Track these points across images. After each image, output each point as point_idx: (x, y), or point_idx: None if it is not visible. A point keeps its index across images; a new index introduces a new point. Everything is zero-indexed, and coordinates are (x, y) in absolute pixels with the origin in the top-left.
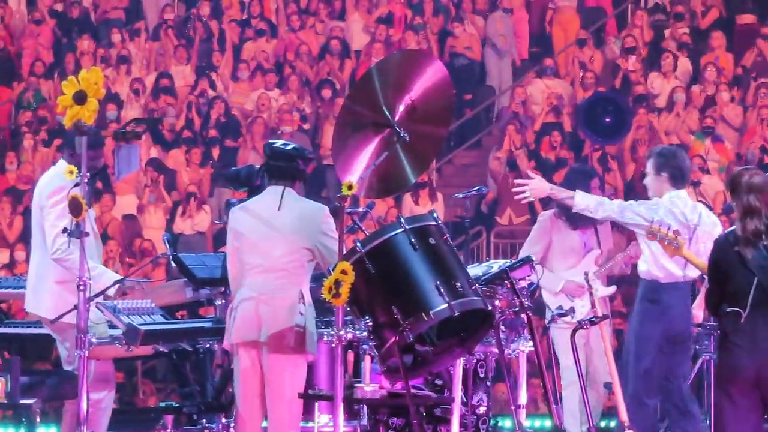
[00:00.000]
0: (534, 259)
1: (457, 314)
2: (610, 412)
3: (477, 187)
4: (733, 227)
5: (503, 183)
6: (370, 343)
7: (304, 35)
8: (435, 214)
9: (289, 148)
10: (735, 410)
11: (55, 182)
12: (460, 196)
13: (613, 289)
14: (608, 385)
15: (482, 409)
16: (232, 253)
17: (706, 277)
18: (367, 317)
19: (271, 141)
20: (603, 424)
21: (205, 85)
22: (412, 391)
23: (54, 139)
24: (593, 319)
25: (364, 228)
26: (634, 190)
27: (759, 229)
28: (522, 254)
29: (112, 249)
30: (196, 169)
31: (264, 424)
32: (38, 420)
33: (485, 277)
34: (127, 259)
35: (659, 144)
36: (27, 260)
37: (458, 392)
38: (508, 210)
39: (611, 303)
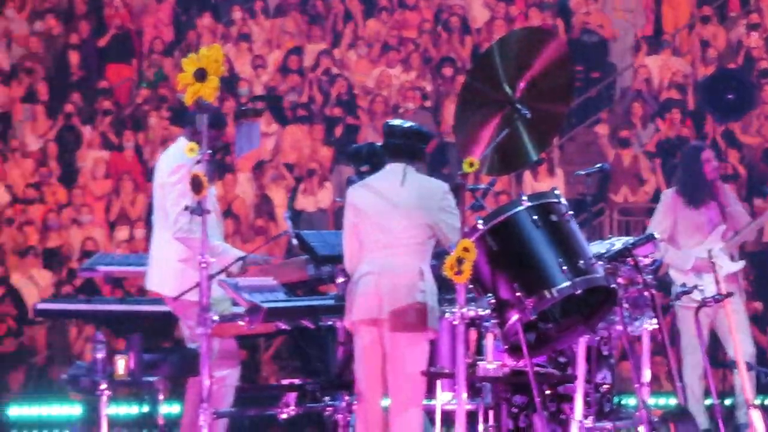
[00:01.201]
0: (657, 236)
1: (579, 291)
2: (731, 390)
3: (599, 165)
4: None
5: (617, 161)
6: (493, 321)
7: (425, 12)
8: (557, 191)
9: (407, 125)
10: None
11: (176, 160)
12: (582, 173)
13: (740, 264)
14: (750, 364)
15: (606, 387)
16: (350, 230)
17: None
18: (489, 295)
19: (390, 120)
20: (727, 402)
21: (328, 62)
22: (535, 368)
23: (175, 116)
24: (717, 296)
25: (485, 205)
26: (760, 167)
27: None
28: (648, 230)
29: (233, 226)
30: (317, 147)
31: (385, 402)
32: (161, 397)
33: (607, 254)
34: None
35: None
36: (146, 238)
37: (582, 370)
38: (623, 188)
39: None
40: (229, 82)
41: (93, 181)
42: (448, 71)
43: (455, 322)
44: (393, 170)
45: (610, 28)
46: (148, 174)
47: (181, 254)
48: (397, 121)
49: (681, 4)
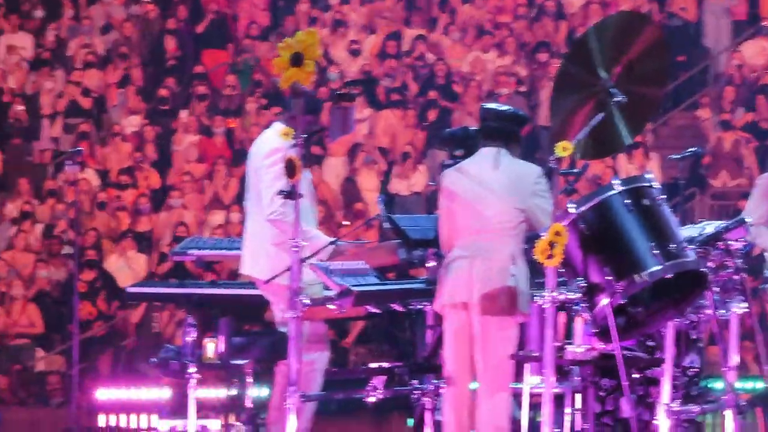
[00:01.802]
0: (748, 220)
1: (670, 275)
2: None
3: (692, 149)
4: None
5: (718, 145)
6: (582, 305)
7: None
8: (650, 175)
9: (503, 109)
10: None
11: (270, 144)
12: (676, 157)
13: None
14: None
15: (693, 371)
16: (445, 214)
17: None
18: (579, 279)
19: (485, 104)
20: None
21: (422, 47)
22: (624, 352)
23: (270, 101)
24: None
25: (578, 189)
26: None
27: None
28: (743, 214)
29: (323, 212)
30: (411, 131)
31: (474, 385)
32: (249, 381)
33: (699, 238)
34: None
35: None
36: (241, 222)
37: (670, 354)
38: (723, 172)
39: None
40: (324, 68)
41: (187, 165)
42: (542, 56)
43: (545, 306)
44: (487, 154)
45: (694, 10)
46: (238, 158)
47: (276, 238)
48: (492, 105)
49: None
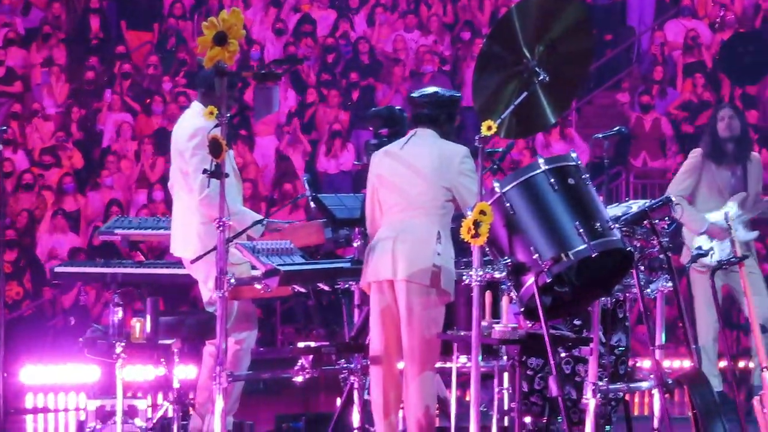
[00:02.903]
0: (676, 194)
1: (596, 254)
2: (747, 352)
3: (617, 128)
4: None
5: (638, 125)
6: (509, 284)
7: None
8: (574, 155)
9: (428, 93)
10: None
11: (192, 125)
12: (600, 136)
13: (754, 234)
14: (765, 326)
15: (621, 350)
16: (371, 194)
17: None
18: (505, 258)
19: (413, 92)
20: (741, 364)
21: (346, 26)
22: (551, 331)
23: (191, 81)
24: (732, 259)
25: (503, 168)
26: None
27: None
28: (669, 190)
29: (251, 190)
30: (335, 111)
31: (401, 364)
32: (177, 360)
33: (624, 217)
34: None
35: None
36: (164, 201)
37: (597, 333)
38: (643, 152)
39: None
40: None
41: (114, 144)
42: (466, 35)
43: (471, 285)
44: (415, 135)
45: None
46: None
47: (204, 218)
48: (417, 92)
49: None
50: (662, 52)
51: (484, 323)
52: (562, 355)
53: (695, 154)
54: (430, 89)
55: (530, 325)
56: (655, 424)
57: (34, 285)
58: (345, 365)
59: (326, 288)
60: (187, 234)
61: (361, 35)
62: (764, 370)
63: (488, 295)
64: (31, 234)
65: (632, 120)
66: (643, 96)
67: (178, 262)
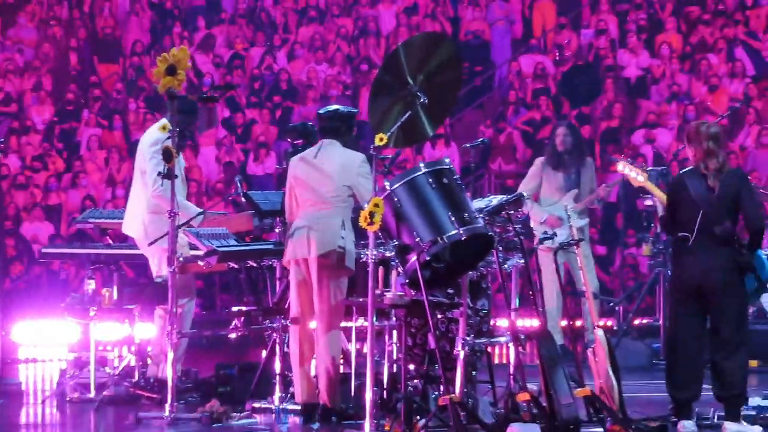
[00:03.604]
0: (525, 195)
1: (464, 238)
2: (581, 315)
3: (480, 140)
4: (685, 169)
5: (495, 138)
6: (397, 261)
7: (346, 21)
8: (448, 160)
9: (332, 110)
10: (685, 312)
11: (153, 136)
12: (467, 146)
13: (585, 221)
14: (595, 294)
15: (484, 312)
16: (289, 192)
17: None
18: (394, 241)
19: (320, 109)
20: (578, 324)
21: (270, 60)
22: (429, 298)
23: (150, 104)
24: (570, 241)
25: (392, 171)
26: (606, 140)
27: (717, 166)
28: (520, 189)
29: (196, 188)
30: (265, 126)
31: (313, 324)
32: (137, 320)
33: (486, 209)
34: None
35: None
36: (125, 197)
37: (466, 299)
38: (499, 159)
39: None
40: (195, 77)
41: (89, 152)
42: (364, 67)
43: (368, 261)
44: (323, 145)
45: (489, 32)
46: (130, 148)
47: (152, 207)
48: (324, 109)
49: (546, 14)
50: (516, 81)
51: (377, 291)
52: (439, 316)
53: (537, 162)
54: (333, 106)
55: (413, 293)
56: (511, 370)
57: (26, 264)
58: (269, 325)
59: (254, 264)
60: (135, 219)
61: (282, 67)
62: (595, 328)
63: (381, 269)
64: (20, 224)
65: (492, 133)
66: (500, 114)
67: (138, 245)
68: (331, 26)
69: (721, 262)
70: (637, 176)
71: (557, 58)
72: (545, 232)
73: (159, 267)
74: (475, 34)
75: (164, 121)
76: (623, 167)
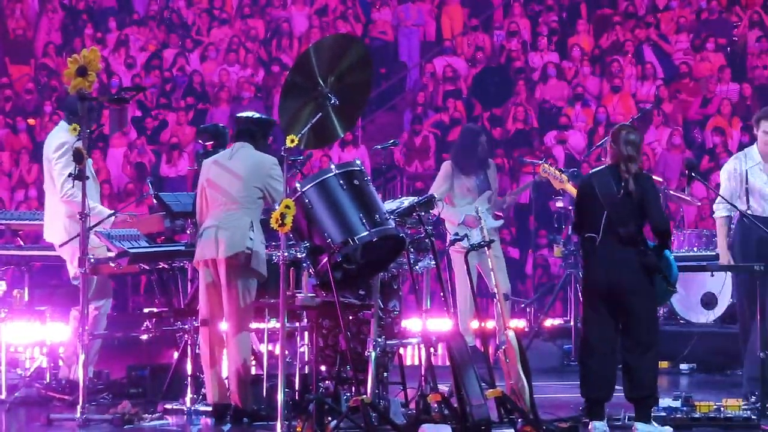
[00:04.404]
0: (436, 197)
1: (375, 239)
2: (493, 316)
3: (391, 141)
4: (595, 169)
5: (410, 140)
6: (308, 262)
7: (257, 22)
8: (359, 162)
9: (248, 116)
10: (596, 313)
11: (59, 139)
12: (379, 147)
13: (500, 222)
14: (506, 295)
15: (395, 313)
16: (200, 193)
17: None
18: (305, 242)
19: (239, 113)
20: (489, 325)
21: (183, 62)
22: (341, 299)
23: (60, 104)
24: (482, 243)
25: (303, 172)
26: (518, 142)
27: (636, 171)
28: (431, 191)
29: (108, 190)
30: (176, 127)
31: (224, 326)
32: (49, 322)
33: (398, 210)
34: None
35: (538, 108)
36: (37, 198)
37: (377, 300)
38: (415, 161)
39: (499, 232)
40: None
41: None
42: (276, 69)
43: (279, 263)
44: (235, 147)
45: (392, 33)
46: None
47: (68, 213)
48: (243, 114)
49: (456, 17)
50: (429, 83)
51: (288, 293)
52: (350, 317)
53: (446, 165)
54: (252, 113)
55: (325, 294)
56: (422, 371)
57: None
58: (180, 326)
59: (166, 266)
60: (55, 224)
61: (194, 68)
62: (506, 329)
63: (292, 271)
64: None
65: (405, 135)
66: (414, 116)
67: (50, 246)
68: (242, 28)
69: (627, 263)
70: (558, 178)
71: (472, 57)
72: (456, 233)
73: (75, 269)
74: (380, 36)
75: (63, 123)
76: (546, 169)
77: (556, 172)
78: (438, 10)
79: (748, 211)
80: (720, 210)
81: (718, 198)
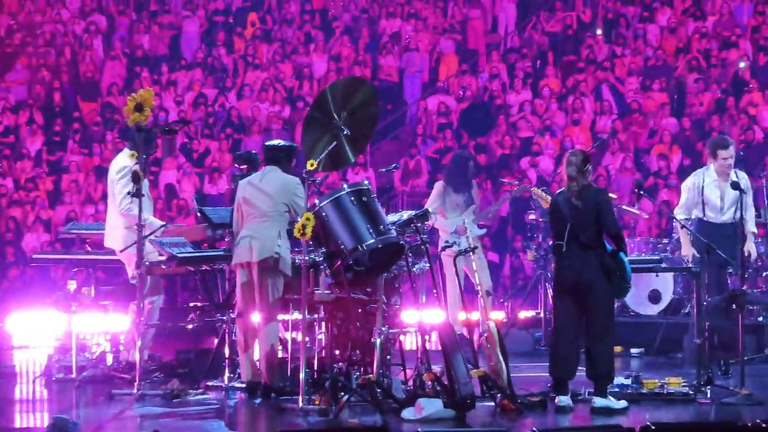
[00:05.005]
0: (430, 211)
1: (380, 246)
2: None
3: (393, 165)
4: (559, 190)
5: (406, 165)
6: (324, 265)
7: (285, 67)
8: (367, 182)
9: (275, 144)
10: (563, 307)
11: (121, 163)
12: (383, 170)
13: (483, 231)
14: (488, 292)
15: (396, 307)
16: (237, 208)
17: None
18: (322, 248)
19: (267, 142)
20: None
21: (223, 99)
22: (352, 295)
23: (122, 134)
24: (468, 249)
25: (321, 190)
26: (499, 166)
27: (576, 188)
28: (426, 206)
29: (162, 204)
30: (220, 154)
31: (256, 317)
32: (111, 313)
33: (399, 221)
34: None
35: (519, 137)
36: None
37: (381, 296)
38: (410, 181)
39: (481, 240)
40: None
41: (71, 175)
42: (300, 105)
43: (302, 265)
44: (265, 171)
45: (396, 76)
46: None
47: (125, 223)
48: (270, 142)
49: (450, 63)
50: (424, 117)
51: (309, 290)
52: (359, 310)
53: (439, 185)
54: (277, 141)
55: (339, 291)
56: (419, 355)
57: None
58: (219, 318)
59: (208, 268)
60: (114, 233)
61: (232, 105)
62: (488, 320)
63: (312, 272)
64: (19, 234)
65: (405, 161)
66: (411, 145)
67: (112, 252)
68: (273, 71)
69: (589, 264)
70: (545, 199)
71: (461, 95)
72: (447, 241)
73: (132, 271)
74: (387, 78)
75: (127, 150)
76: (537, 193)
77: (544, 194)
78: (438, 58)
79: (704, 218)
80: (679, 213)
81: (678, 205)
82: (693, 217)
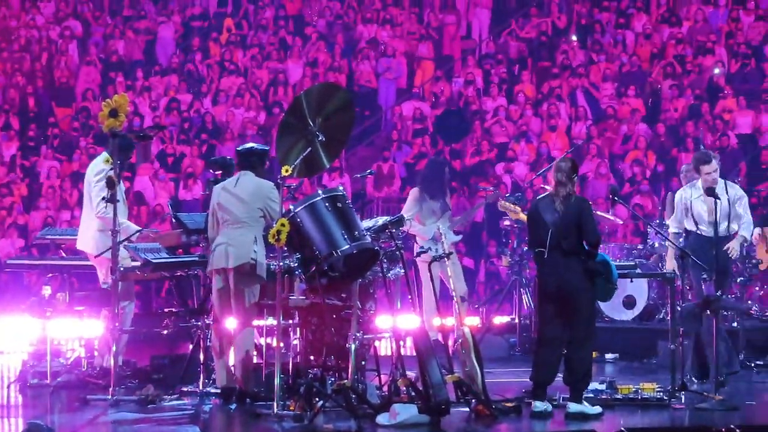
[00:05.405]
0: (406, 217)
1: (355, 251)
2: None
3: (369, 171)
4: (540, 195)
5: (380, 171)
6: (300, 270)
7: (260, 73)
8: (341, 188)
9: (247, 148)
10: (547, 313)
11: (97, 167)
12: (358, 176)
13: (458, 237)
14: (463, 298)
15: (371, 312)
16: (212, 213)
17: None
18: (297, 253)
19: (239, 146)
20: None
21: (198, 105)
22: (326, 301)
23: (97, 140)
24: (443, 254)
25: (296, 196)
26: (475, 172)
27: (564, 194)
28: (403, 212)
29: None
30: (193, 159)
31: (230, 323)
32: (85, 318)
33: (374, 227)
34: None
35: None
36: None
37: (356, 301)
38: (385, 187)
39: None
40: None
41: (47, 181)
42: (275, 110)
43: (276, 270)
44: (240, 175)
45: (373, 81)
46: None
47: (99, 226)
48: (241, 147)
49: (426, 69)
50: (399, 123)
51: (283, 296)
52: (334, 316)
53: (415, 191)
54: (249, 144)
55: (313, 297)
56: (393, 360)
57: None
58: (194, 323)
59: (182, 273)
60: (87, 235)
61: (207, 110)
62: (462, 326)
63: (287, 277)
64: None
65: (378, 166)
66: (385, 150)
67: (87, 257)
68: (248, 77)
69: (571, 269)
70: (514, 210)
71: (434, 101)
72: (422, 246)
73: (105, 275)
74: (365, 84)
75: (105, 154)
76: (504, 205)
77: (512, 206)
78: (415, 64)
79: (698, 232)
80: (672, 227)
81: (671, 219)
82: (690, 229)
